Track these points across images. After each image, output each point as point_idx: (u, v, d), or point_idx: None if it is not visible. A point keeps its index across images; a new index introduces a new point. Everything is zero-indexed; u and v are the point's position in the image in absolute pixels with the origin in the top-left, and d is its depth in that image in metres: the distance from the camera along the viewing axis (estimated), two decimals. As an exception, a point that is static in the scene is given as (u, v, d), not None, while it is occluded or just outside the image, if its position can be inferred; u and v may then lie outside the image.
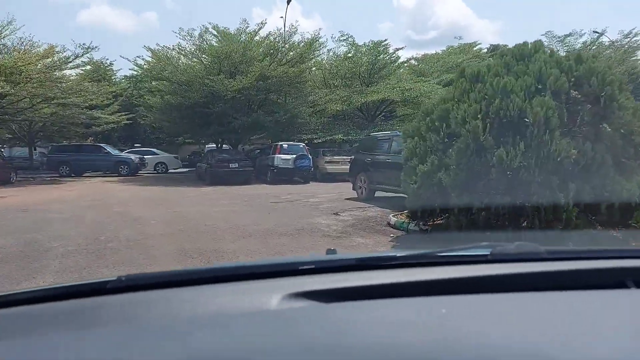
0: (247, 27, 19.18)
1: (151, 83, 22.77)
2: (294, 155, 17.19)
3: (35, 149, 34.15)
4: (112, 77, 35.60)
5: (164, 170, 24.86)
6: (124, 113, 30.06)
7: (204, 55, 19.29)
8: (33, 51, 18.38)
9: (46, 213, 8.86)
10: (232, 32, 19.17)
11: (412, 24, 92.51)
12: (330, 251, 1.25)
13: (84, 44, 18.84)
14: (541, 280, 0.91)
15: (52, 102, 19.97)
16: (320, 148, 19.68)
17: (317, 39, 19.82)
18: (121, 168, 21.73)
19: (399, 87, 20.03)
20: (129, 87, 36.44)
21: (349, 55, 23.05)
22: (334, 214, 8.50)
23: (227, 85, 17.23)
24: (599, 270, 0.94)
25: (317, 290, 0.84)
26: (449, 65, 27.22)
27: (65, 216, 8.39)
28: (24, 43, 18.13)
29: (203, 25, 19.09)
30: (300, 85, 19.83)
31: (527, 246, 1.04)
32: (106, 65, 26.61)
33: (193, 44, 18.72)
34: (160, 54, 19.46)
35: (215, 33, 19.28)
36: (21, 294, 0.95)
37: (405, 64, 26.11)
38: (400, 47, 28.88)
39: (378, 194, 10.59)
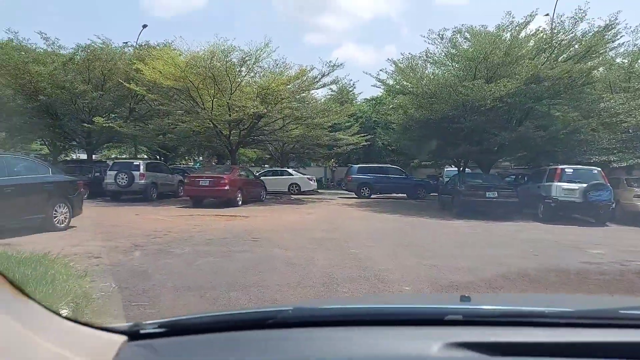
0: (511, 22, 15.20)
1: (393, 99, 21.15)
2: (584, 185, 12.12)
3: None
4: (354, 101, 36.39)
5: (296, 190, 22.45)
6: (363, 134, 29.87)
7: (454, 63, 16.25)
8: (286, 73, 18.94)
9: (271, 247, 7.15)
10: (492, 29, 15.50)
11: None
12: (464, 298, 1.23)
13: (330, 61, 18.38)
14: None
15: (302, 122, 20.41)
16: (620, 176, 13.77)
17: (612, 25, 14.19)
18: (419, 191, 21.22)
19: None
20: (368, 109, 36.80)
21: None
22: None
23: (486, 92, 13.60)
24: None
25: (473, 343, 0.84)
26: None
27: (290, 256, 6.41)
28: (278, 65, 18.85)
29: (455, 27, 16.09)
30: (584, 89, 14.50)
31: None
32: (349, 87, 26.40)
33: (444, 47, 15.86)
34: (404, 65, 17.37)
35: (468, 36, 15.98)
36: (194, 320, 1.02)
37: None
38: None
39: None
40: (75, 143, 23.48)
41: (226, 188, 14.61)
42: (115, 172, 16.42)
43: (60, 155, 25.98)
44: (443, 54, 16.00)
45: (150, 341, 0.91)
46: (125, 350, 0.87)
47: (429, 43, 16.05)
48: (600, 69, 16.25)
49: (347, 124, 31.49)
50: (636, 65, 16.55)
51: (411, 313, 1.04)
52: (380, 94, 37.63)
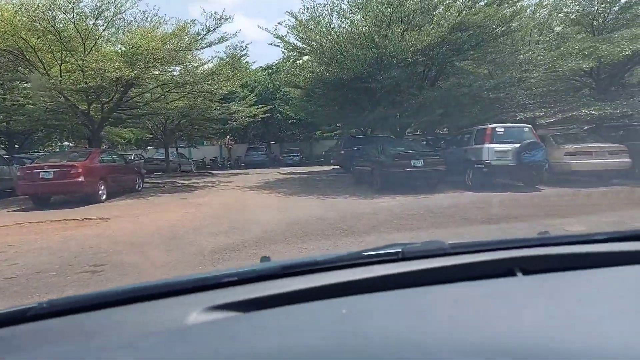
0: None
1: (295, 62, 18.27)
2: (517, 145, 10.71)
3: (177, 150, 33.26)
4: (247, 70, 32.81)
5: None
6: (260, 106, 26.72)
7: (365, 11, 13.76)
8: (160, 29, 15.05)
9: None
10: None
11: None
12: (264, 258, 1.24)
13: (215, 13, 14.83)
14: (445, 273, 0.96)
15: (186, 90, 16.71)
16: (547, 133, 12.75)
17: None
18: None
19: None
20: (264, 78, 33.51)
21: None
22: None
23: (407, 43, 11.45)
24: (492, 262, 1.00)
25: (235, 302, 0.85)
26: None
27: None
28: (150, 19, 14.85)
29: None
30: (506, 40, 13.15)
31: (433, 243, 1.09)
32: (240, 50, 22.41)
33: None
34: (306, 17, 14.56)
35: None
36: None
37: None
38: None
39: None
40: None
41: (80, 180, 10.71)
42: None
43: None
44: (352, 2, 13.37)
45: None
46: None
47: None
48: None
49: (241, 95, 28.06)
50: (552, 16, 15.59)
51: (186, 282, 0.98)
52: (276, 62, 34.58)
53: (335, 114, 16.25)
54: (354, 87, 13.53)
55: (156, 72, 15.71)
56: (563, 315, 0.75)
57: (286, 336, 0.71)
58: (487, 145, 10.91)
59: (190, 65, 16.74)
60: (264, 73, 33.80)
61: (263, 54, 69.68)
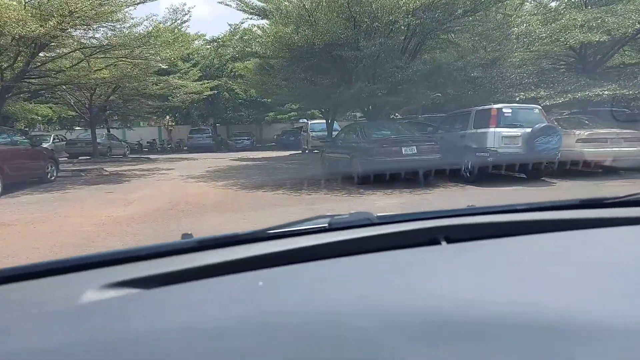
0: None
1: (249, 32, 15.56)
2: (528, 130, 8.96)
3: (109, 131, 29.12)
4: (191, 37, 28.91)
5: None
6: (206, 81, 23.63)
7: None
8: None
9: None
10: None
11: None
12: (186, 236, 1.10)
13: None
14: (371, 243, 0.93)
15: (112, 55, 13.55)
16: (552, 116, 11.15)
17: None
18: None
19: None
20: (209, 53, 30.09)
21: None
22: None
23: (397, 2, 9.25)
24: (417, 230, 0.98)
25: (139, 278, 0.77)
26: None
27: None
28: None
29: None
30: (500, 9, 11.36)
31: (361, 214, 1.07)
32: (183, 15, 18.68)
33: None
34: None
35: None
36: None
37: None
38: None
39: None
40: None
41: (-46, 169, 7.65)
42: None
43: None
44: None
45: None
46: None
47: None
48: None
49: (183, 69, 24.74)
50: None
51: (72, 261, 0.86)
52: (222, 35, 31.15)
53: (302, 90, 13.79)
54: (326, 57, 11.20)
55: (75, 33, 12.54)
56: (482, 282, 0.74)
57: (190, 312, 0.66)
58: (492, 130, 9.07)
59: (119, 26, 13.54)
60: (208, 47, 30.32)
61: (206, 28, 64.60)
